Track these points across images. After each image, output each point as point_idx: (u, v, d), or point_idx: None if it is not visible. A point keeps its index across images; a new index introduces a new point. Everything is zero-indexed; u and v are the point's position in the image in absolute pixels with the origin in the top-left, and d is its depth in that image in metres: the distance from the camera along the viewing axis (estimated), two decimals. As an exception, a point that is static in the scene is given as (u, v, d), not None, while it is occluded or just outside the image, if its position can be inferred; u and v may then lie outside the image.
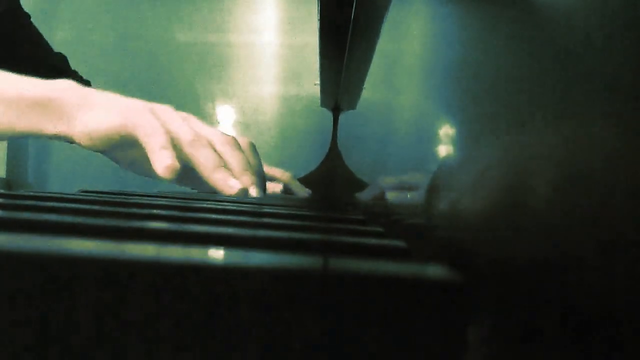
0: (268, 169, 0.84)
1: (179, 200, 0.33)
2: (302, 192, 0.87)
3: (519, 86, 0.18)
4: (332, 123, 1.10)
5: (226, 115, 1.24)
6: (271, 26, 1.25)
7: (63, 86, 0.55)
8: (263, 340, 0.11)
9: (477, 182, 0.22)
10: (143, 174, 0.54)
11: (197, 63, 1.25)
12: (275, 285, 0.11)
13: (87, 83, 0.96)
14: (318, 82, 0.91)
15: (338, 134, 1.09)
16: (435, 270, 0.13)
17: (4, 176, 1.20)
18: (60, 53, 0.96)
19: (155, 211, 0.23)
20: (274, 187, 0.82)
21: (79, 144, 0.52)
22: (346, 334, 0.11)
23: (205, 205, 0.28)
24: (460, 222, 0.23)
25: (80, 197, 0.28)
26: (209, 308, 0.11)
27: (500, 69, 0.20)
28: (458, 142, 0.26)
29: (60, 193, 0.30)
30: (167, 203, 0.28)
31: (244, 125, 1.22)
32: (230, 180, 0.49)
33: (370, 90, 0.68)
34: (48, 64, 0.92)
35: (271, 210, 0.28)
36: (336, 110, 1.09)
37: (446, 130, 0.28)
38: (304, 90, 1.23)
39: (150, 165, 0.49)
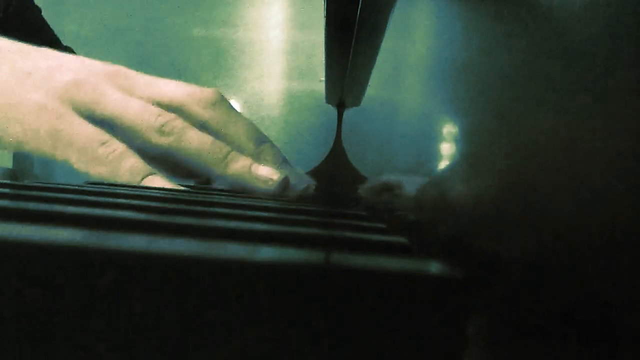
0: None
1: (185, 193, 0.33)
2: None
3: (522, 84, 0.18)
4: (336, 119, 1.10)
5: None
6: (277, 23, 1.25)
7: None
8: (263, 333, 0.11)
9: (478, 179, 0.22)
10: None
11: (205, 57, 1.25)
12: (275, 280, 0.11)
13: None
14: (323, 78, 0.91)
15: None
16: (436, 266, 0.13)
17: (11, 167, 1.21)
18: (69, 47, 0.96)
19: (161, 204, 0.23)
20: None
21: None
22: (347, 328, 0.11)
23: (209, 199, 0.28)
24: (461, 218, 0.23)
25: (87, 188, 0.28)
26: (212, 301, 0.11)
27: (504, 67, 0.20)
28: (460, 139, 0.26)
29: (67, 184, 0.30)
30: (173, 196, 0.28)
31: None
32: (262, 169, 0.40)
33: (375, 88, 0.68)
34: None
35: (273, 205, 0.28)
36: (341, 107, 1.09)
37: (449, 129, 0.28)
38: (309, 86, 1.22)
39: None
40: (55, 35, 0.93)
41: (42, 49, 0.43)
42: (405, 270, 0.12)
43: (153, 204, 0.22)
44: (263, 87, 1.23)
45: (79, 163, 0.38)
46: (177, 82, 0.44)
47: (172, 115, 0.40)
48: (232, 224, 0.18)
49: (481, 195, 0.21)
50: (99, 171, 0.38)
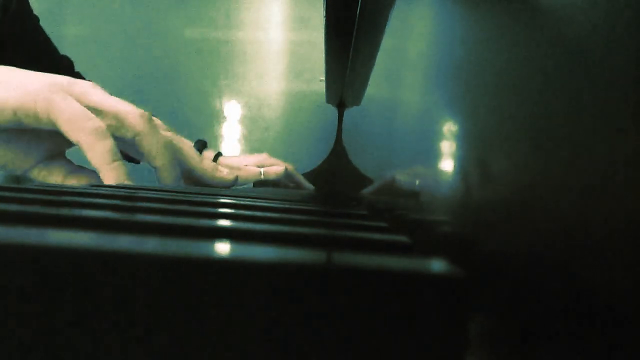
0: (270, 160, 0.84)
1: (186, 194, 0.33)
2: (306, 184, 0.87)
3: (522, 83, 0.18)
4: (337, 119, 1.10)
5: (233, 110, 1.24)
6: (277, 23, 1.25)
7: None
8: (265, 333, 0.11)
9: (479, 178, 0.22)
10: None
11: (205, 58, 1.25)
12: (278, 280, 0.11)
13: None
14: (323, 78, 0.91)
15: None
16: (437, 265, 0.13)
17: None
18: (66, 56, 0.96)
19: (162, 205, 0.23)
20: (275, 170, 0.82)
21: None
22: (348, 327, 0.11)
23: (210, 200, 0.28)
24: (463, 217, 0.24)
25: (89, 190, 0.28)
26: (213, 301, 0.11)
27: (504, 67, 0.20)
28: (461, 138, 0.26)
29: (69, 186, 0.30)
30: (174, 197, 0.28)
31: (251, 120, 1.22)
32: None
33: (375, 87, 0.68)
34: (53, 66, 0.92)
35: (274, 205, 0.28)
36: (341, 107, 1.10)
37: (449, 127, 0.28)
38: (309, 86, 1.22)
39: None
40: (53, 44, 0.93)
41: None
42: (406, 270, 0.12)
43: (155, 205, 0.22)
44: (263, 87, 1.23)
45: (64, 128, 0.47)
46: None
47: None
48: (235, 224, 0.18)
49: (482, 194, 0.21)
50: (78, 138, 0.47)
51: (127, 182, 0.49)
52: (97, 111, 0.50)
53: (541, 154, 0.16)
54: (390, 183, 0.47)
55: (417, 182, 0.35)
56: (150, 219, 0.17)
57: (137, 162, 0.63)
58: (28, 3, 0.88)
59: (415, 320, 0.11)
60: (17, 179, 1.19)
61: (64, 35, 0.97)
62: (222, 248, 0.13)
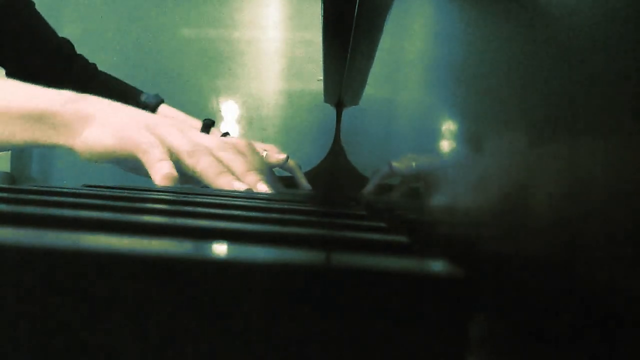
0: (264, 145, 0.84)
1: (183, 195, 0.33)
2: (305, 183, 0.87)
3: (520, 83, 0.18)
4: (335, 119, 1.10)
5: (230, 110, 1.24)
6: (275, 22, 1.25)
7: (63, 98, 0.55)
8: (263, 333, 0.11)
9: (478, 178, 0.22)
10: (146, 176, 0.55)
11: (204, 58, 1.25)
12: (276, 280, 0.11)
13: (93, 67, 0.96)
14: (321, 78, 0.91)
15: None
16: (436, 265, 0.13)
17: (9, 171, 1.21)
18: (66, 39, 0.96)
19: (159, 206, 0.23)
20: (277, 157, 0.82)
21: (80, 156, 0.53)
22: (347, 327, 0.11)
23: (208, 200, 0.28)
24: (461, 217, 0.23)
25: (84, 191, 0.28)
26: (211, 303, 0.11)
27: (502, 65, 0.20)
28: (459, 137, 0.26)
29: (64, 187, 0.30)
30: (170, 198, 0.28)
31: (248, 120, 1.23)
32: (235, 183, 0.50)
33: (373, 87, 0.68)
34: (53, 47, 0.92)
35: (273, 205, 0.28)
36: (339, 106, 1.10)
37: (447, 127, 0.28)
38: (308, 86, 1.23)
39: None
40: (52, 28, 0.93)
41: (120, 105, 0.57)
42: (405, 270, 0.12)
43: (150, 205, 0.22)
44: (262, 87, 1.23)
45: (139, 155, 0.52)
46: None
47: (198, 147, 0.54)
48: (233, 225, 0.18)
49: (482, 194, 0.21)
50: (149, 160, 0.51)
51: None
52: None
53: (541, 154, 0.16)
54: (389, 174, 0.47)
55: (414, 164, 0.35)
56: (147, 219, 0.17)
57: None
58: None
59: (414, 321, 0.11)
60: (12, 178, 1.19)
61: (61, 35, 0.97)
62: (220, 249, 0.13)
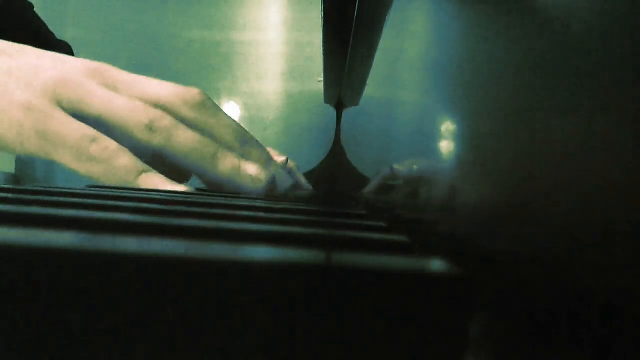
0: (274, 152, 0.84)
1: (184, 195, 0.33)
2: (305, 184, 0.87)
3: (520, 83, 0.18)
4: (335, 119, 1.10)
5: (231, 111, 1.24)
6: (275, 24, 1.25)
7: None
8: (263, 333, 0.11)
9: (478, 177, 0.22)
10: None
11: (204, 59, 1.25)
12: (276, 280, 0.11)
13: None
14: (322, 79, 0.91)
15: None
16: (436, 265, 0.13)
17: (13, 172, 1.21)
18: (65, 42, 0.96)
19: (161, 206, 0.23)
20: (276, 159, 0.81)
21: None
22: (347, 327, 0.11)
23: (208, 201, 0.28)
24: (462, 216, 0.24)
25: (88, 192, 0.28)
26: (212, 302, 0.11)
27: (502, 65, 0.20)
28: (459, 137, 0.26)
29: (68, 188, 0.30)
30: (172, 198, 0.28)
31: (249, 121, 1.22)
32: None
33: (374, 87, 0.68)
34: (52, 50, 0.92)
35: (273, 205, 0.28)
36: (339, 107, 1.10)
37: (448, 127, 0.28)
38: (308, 87, 1.23)
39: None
40: (49, 30, 0.93)
41: (21, 47, 0.43)
42: (406, 269, 0.12)
43: (153, 206, 0.22)
44: (262, 88, 1.23)
45: (70, 162, 0.38)
46: (161, 81, 0.44)
47: (160, 113, 0.39)
48: (232, 225, 0.18)
49: (482, 193, 0.21)
50: (91, 170, 0.38)
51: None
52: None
53: (539, 154, 0.16)
54: (390, 176, 0.47)
55: (415, 167, 0.35)
56: (148, 220, 0.17)
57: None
58: None
59: (414, 321, 0.11)
60: (17, 179, 1.19)
61: (61, 37, 0.97)
62: (220, 249, 0.13)
